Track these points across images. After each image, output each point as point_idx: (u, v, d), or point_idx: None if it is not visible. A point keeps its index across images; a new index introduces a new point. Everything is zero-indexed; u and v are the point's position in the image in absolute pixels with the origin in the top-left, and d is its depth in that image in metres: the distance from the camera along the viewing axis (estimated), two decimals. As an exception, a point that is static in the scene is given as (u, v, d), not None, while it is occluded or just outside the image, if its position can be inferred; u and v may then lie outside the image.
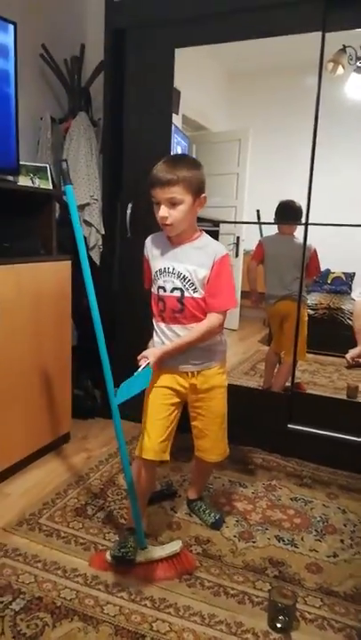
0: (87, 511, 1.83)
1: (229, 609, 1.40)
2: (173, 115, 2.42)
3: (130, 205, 2.48)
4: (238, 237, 4.11)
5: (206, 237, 1.55)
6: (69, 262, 2.23)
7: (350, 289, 4.19)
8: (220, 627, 1.33)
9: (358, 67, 2.70)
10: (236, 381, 3.10)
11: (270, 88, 3.80)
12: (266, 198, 3.80)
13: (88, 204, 2.47)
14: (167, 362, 1.54)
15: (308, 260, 2.62)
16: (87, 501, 1.90)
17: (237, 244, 4.11)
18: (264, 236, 2.95)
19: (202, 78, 3.79)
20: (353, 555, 1.66)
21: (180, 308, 1.50)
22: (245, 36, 2.20)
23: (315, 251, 2.71)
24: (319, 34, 2.05)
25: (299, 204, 2.56)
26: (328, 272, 4.35)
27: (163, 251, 1.54)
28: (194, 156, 4.07)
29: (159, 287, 1.53)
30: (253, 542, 1.70)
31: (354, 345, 3.24)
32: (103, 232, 2.53)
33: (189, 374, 1.58)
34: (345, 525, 1.82)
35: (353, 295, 4.01)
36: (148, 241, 1.62)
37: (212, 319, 1.50)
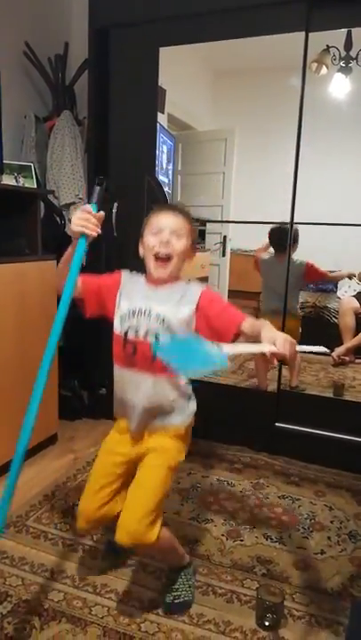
0: (75, 512, 1.82)
1: (218, 608, 1.40)
2: (159, 114, 2.42)
3: (115, 204, 2.47)
4: (225, 236, 4.13)
5: (184, 281, 1.38)
6: (55, 262, 2.21)
7: (336, 287, 4.22)
8: (209, 626, 1.33)
9: (342, 67, 2.72)
10: (223, 380, 3.11)
11: (255, 88, 3.82)
12: (252, 197, 3.83)
13: (74, 204, 2.45)
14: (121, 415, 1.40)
15: (303, 272, 2.74)
16: (75, 503, 1.88)
17: (224, 243, 4.13)
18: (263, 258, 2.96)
19: (188, 77, 3.79)
20: (340, 551, 1.67)
21: (153, 358, 1.27)
22: (230, 36, 2.21)
23: (310, 265, 2.82)
24: (303, 34, 2.06)
25: (295, 229, 2.57)
26: (314, 271, 4.38)
27: (138, 290, 1.35)
28: (180, 155, 4.09)
29: (129, 328, 1.30)
30: (241, 541, 1.70)
31: (340, 343, 3.27)
32: (89, 231, 2.51)
33: (143, 436, 1.37)
34: (332, 522, 1.84)
35: (339, 294, 4.04)
36: (125, 274, 1.40)
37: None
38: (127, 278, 1.39)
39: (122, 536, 1.24)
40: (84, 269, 2.41)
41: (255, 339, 1.20)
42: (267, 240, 3.05)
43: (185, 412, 1.37)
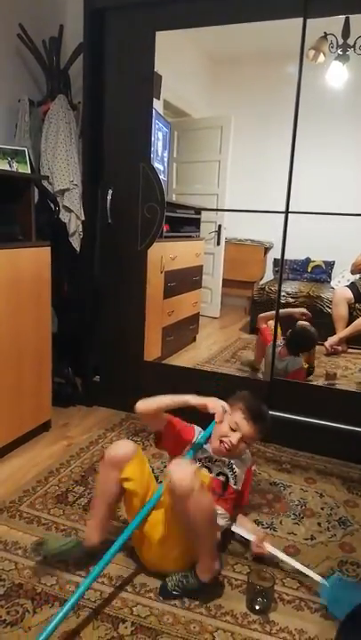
0: (68, 498, 1.83)
1: (209, 592, 1.42)
2: (155, 100, 2.39)
3: (110, 191, 2.45)
4: (220, 225, 4.12)
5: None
6: (49, 248, 2.20)
7: (330, 277, 4.24)
8: (200, 610, 1.35)
9: (339, 54, 2.70)
10: (217, 369, 3.12)
11: (252, 75, 3.79)
12: (247, 186, 3.82)
13: (68, 190, 2.43)
14: None
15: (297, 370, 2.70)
16: (68, 488, 1.90)
17: (219, 232, 4.12)
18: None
19: (184, 63, 3.75)
20: (330, 537, 1.70)
21: (220, 492, 1.53)
22: (227, 21, 2.18)
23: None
24: (300, 20, 2.04)
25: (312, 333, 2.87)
26: (308, 260, 4.40)
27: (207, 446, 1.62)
28: (175, 142, 4.05)
29: (205, 465, 1.57)
30: (233, 526, 1.72)
31: (333, 333, 3.29)
32: (83, 218, 2.50)
33: None
34: (322, 509, 1.86)
35: (332, 283, 4.06)
36: (197, 430, 1.65)
37: None
38: (198, 432, 1.65)
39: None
40: (77, 257, 2.39)
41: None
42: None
43: None
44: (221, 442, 1.55)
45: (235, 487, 1.57)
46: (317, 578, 1.45)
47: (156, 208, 2.39)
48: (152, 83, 2.33)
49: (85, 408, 2.64)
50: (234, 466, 1.59)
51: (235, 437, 1.53)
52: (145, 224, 2.42)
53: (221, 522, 1.50)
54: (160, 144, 3.51)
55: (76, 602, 1.26)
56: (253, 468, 2.11)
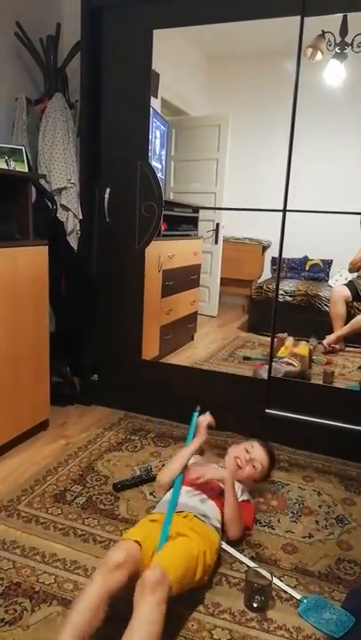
0: (66, 497, 1.83)
1: (207, 590, 1.42)
2: (152, 98, 2.39)
3: (108, 190, 2.45)
4: (218, 224, 4.12)
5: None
6: (46, 247, 2.20)
7: (328, 276, 4.24)
8: (198, 607, 1.36)
9: (337, 53, 2.69)
10: (215, 367, 3.12)
11: (250, 73, 3.79)
12: (245, 184, 3.82)
13: (65, 188, 2.43)
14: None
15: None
16: (66, 487, 1.90)
17: (217, 231, 4.12)
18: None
19: (182, 61, 3.75)
20: (327, 535, 1.70)
21: (218, 492, 1.61)
22: (225, 19, 2.18)
23: None
24: (298, 18, 2.04)
25: None
26: (306, 259, 4.40)
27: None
28: (173, 140, 4.05)
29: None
30: (231, 525, 1.72)
31: (331, 331, 3.29)
32: (81, 217, 2.50)
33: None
34: (320, 507, 1.87)
35: (330, 282, 4.06)
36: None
37: None
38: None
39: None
40: (74, 256, 2.38)
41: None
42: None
43: (214, 528, 1.51)
44: (236, 457, 1.78)
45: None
46: (297, 595, 1.42)
47: (153, 207, 2.39)
48: (149, 81, 2.33)
49: (83, 407, 2.64)
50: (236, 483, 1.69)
51: (249, 456, 1.77)
52: (143, 223, 2.42)
53: (216, 523, 1.53)
54: (158, 142, 3.50)
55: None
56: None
